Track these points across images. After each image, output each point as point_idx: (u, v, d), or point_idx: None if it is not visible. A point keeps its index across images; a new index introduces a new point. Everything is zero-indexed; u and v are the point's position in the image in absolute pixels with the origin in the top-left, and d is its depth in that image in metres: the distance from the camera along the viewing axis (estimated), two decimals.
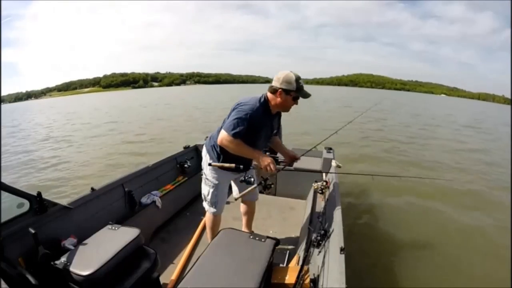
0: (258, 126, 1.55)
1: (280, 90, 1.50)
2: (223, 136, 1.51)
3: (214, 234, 1.56)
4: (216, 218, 1.91)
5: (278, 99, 1.53)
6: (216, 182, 1.79)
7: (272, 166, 1.50)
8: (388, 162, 6.58)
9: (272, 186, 2.99)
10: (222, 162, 1.66)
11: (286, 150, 1.92)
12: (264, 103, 1.57)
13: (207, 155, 1.79)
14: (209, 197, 1.84)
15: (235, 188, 2.00)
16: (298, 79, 1.50)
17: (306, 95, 1.54)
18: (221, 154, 1.67)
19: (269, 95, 1.57)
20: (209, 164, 1.67)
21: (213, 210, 1.87)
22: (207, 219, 1.95)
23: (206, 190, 1.84)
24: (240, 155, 1.56)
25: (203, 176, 1.86)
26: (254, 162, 1.67)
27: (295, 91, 1.50)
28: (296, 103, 1.59)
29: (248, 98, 1.60)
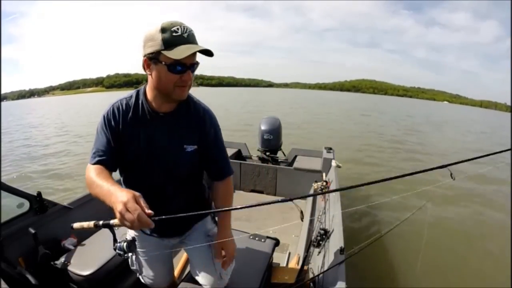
0: (123, 133, 0.87)
1: (144, 59, 0.79)
2: None
3: None
4: None
5: (150, 78, 0.83)
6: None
7: (128, 216, 0.60)
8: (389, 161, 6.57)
9: None
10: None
11: (224, 224, 1.03)
12: (137, 94, 0.90)
13: None
14: (129, 261, 1.15)
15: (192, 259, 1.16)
16: (167, 28, 0.74)
17: (183, 54, 0.73)
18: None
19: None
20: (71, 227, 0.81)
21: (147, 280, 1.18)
22: None
23: None
24: (96, 195, 0.73)
25: None
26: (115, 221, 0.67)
27: (164, 49, 0.74)
28: (184, 77, 0.79)
29: None
